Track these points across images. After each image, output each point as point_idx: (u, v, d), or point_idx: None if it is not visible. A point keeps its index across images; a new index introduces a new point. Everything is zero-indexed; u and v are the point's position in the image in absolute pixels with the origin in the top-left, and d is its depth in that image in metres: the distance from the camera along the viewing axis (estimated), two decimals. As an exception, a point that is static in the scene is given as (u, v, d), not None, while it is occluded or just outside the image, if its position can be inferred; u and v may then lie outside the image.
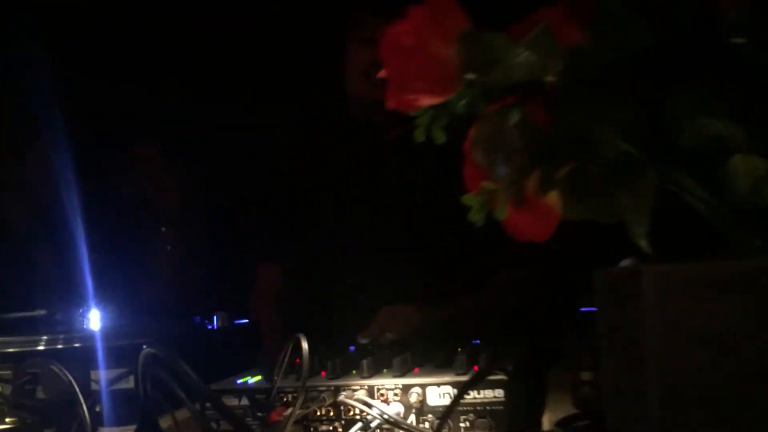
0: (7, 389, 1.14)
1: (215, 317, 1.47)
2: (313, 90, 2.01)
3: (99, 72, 2.06)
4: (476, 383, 0.90)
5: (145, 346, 0.82)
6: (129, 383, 1.11)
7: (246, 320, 1.55)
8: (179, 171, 2.06)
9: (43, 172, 1.72)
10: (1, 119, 1.84)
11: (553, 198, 0.65)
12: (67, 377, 0.89)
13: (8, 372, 1.22)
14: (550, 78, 0.59)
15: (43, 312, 1.58)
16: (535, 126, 0.59)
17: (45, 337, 1.39)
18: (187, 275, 1.78)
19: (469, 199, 0.64)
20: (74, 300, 1.62)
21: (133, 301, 1.61)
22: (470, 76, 0.59)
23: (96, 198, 1.71)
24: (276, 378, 0.97)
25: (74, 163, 1.68)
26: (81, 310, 1.62)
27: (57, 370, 0.91)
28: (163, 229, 1.87)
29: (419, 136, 0.65)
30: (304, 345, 0.94)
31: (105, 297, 1.60)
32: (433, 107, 0.64)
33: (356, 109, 1.73)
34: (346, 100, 1.74)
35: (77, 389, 0.87)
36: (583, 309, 1.13)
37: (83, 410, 0.83)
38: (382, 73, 0.62)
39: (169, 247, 1.77)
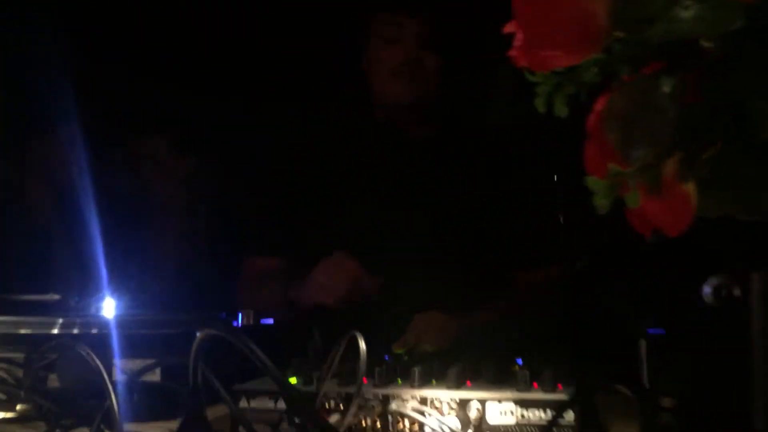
0: (18, 372, 1.05)
1: (240, 315, 1.38)
2: (335, 89, 1.96)
3: (115, 67, 2.01)
4: (575, 405, 0.81)
5: (199, 330, 0.73)
6: (155, 376, 1.02)
7: (272, 320, 1.45)
8: (193, 166, 1.99)
9: (60, 161, 1.64)
10: (19, 109, 1.77)
11: (691, 187, 0.56)
12: (96, 363, 0.80)
13: (20, 355, 1.13)
14: (706, 42, 0.51)
15: (56, 296, 1.50)
16: (688, 98, 0.50)
17: (61, 320, 1.30)
18: (208, 270, 1.70)
19: (594, 182, 0.55)
20: (89, 287, 1.53)
21: (151, 293, 1.52)
22: (619, 33, 0.50)
23: (114, 189, 1.64)
24: (324, 381, 0.88)
25: (90, 154, 1.61)
26: (96, 297, 1.53)
27: (85, 354, 0.81)
28: (180, 223, 1.79)
29: (540, 106, 0.57)
30: (362, 344, 0.84)
31: (123, 287, 1.51)
32: (557, 74, 0.56)
33: (384, 109, 1.68)
34: (371, 100, 1.69)
35: (106, 377, 0.78)
36: (652, 331, 1.05)
37: (112, 401, 0.74)
38: (509, 27, 0.54)
39: (188, 242, 1.69)
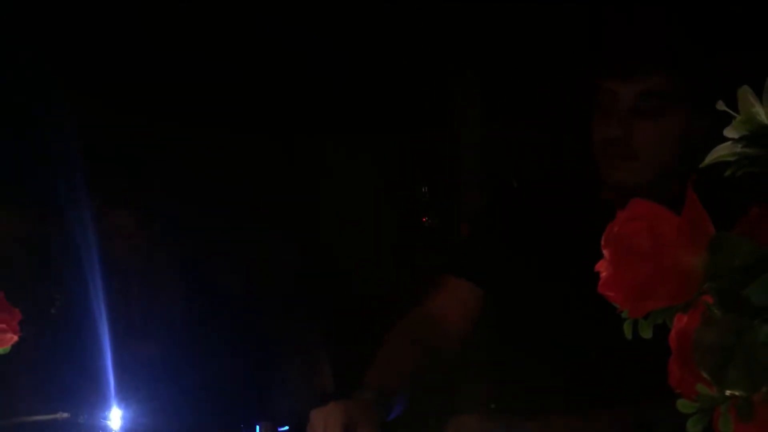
0: None
1: (258, 427, 1.37)
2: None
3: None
4: None
5: None
6: None
7: (287, 427, 1.44)
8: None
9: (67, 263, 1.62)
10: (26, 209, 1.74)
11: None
12: None
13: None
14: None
15: (65, 415, 1.47)
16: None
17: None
18: (223, 378, 1.68)
19: (685, 406, 0.57)
20: (99, 401, 1.51)
21: (161, 401, 1.50)
22: (712, 284, 0.52)
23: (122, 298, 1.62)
24: None
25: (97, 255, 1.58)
26: (104, 413, 1.51)
27: None
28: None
29: (627, 332, 0.58)
30: None
31: (135, 400, 1.49)
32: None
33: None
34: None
35: None
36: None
37: None
38: (599, 266, 0.56)
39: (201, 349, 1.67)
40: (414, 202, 2.52)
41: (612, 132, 1.35)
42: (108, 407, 1.50)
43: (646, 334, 0.59)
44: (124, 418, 1.51)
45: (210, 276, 1.99)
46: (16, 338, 0.83)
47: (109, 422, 1.49)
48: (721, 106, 0.55)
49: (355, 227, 2.33)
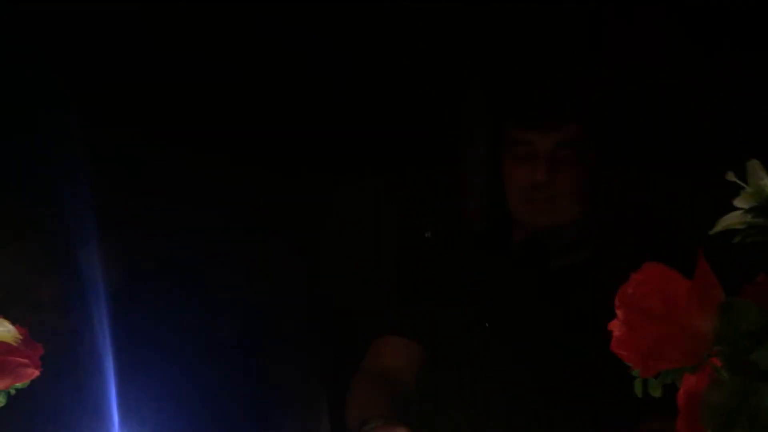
0: None
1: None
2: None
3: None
4: None
5: None
6: None
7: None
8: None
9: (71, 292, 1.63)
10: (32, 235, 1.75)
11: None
12: None
13: None
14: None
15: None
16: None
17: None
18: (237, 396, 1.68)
19: (691, 464, 0.59)
20: (101, 428, 1.52)
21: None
22: (720, 347, 0.55)
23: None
24: None
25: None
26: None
27: None
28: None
29: (637, 391, 0.61)
30: None
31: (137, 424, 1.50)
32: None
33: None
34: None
35: None
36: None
37: None
38: (611, 325, 0.58)
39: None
40: (417, 245, 2.54)
41: (537, 177, 1.43)
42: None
43: (656, 393, 0.62)
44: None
45: (213, 314, 2.00)
46: (37, 373, 0.85)
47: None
48: (731, 176, 0.58)
49: (357, 273, 2.35)
